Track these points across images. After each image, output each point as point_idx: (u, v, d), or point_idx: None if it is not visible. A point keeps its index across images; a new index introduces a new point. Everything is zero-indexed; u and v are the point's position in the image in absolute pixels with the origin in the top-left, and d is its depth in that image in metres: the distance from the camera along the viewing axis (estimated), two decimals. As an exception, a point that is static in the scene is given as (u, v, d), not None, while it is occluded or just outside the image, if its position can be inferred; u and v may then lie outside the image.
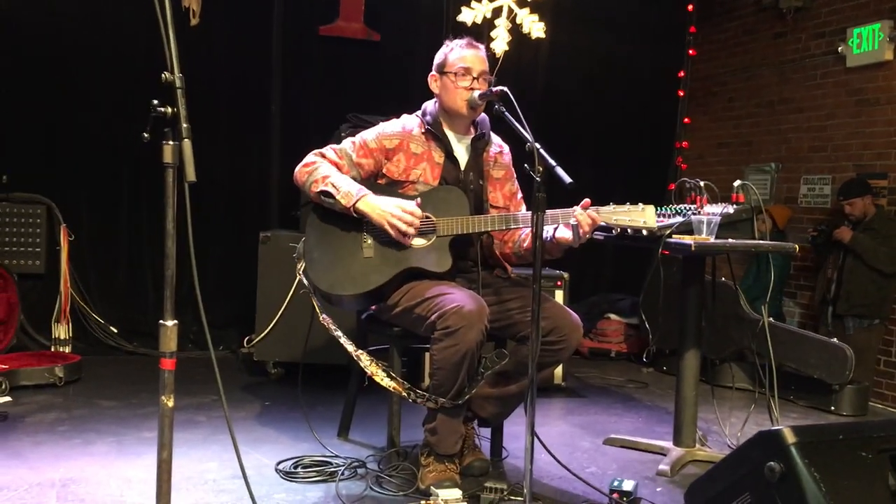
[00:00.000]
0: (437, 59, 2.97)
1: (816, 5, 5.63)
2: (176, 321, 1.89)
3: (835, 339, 4.32)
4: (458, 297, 2.61)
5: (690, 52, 6.46)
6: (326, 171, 2.82)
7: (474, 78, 2.86)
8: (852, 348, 4.27)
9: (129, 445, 3.14)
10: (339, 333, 2.89)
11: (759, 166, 6.06)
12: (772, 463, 1.84)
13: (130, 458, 2.99)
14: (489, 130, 3.03)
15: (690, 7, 6.39)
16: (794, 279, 5.73)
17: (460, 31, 5.06)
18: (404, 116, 3.03)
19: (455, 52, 2.91)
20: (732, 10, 6.34)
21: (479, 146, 3.00)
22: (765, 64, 6.05)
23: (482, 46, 2.97)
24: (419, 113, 3.02)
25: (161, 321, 1.88)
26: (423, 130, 2.95)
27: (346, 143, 2.95)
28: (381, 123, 3.01)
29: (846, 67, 5.37)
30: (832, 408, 4.28)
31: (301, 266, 2.92)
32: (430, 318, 2.64)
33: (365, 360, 2.82)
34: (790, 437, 1.83)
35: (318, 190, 2.78)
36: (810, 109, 5.68)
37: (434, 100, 3.00)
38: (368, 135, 2.95)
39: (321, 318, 2.92)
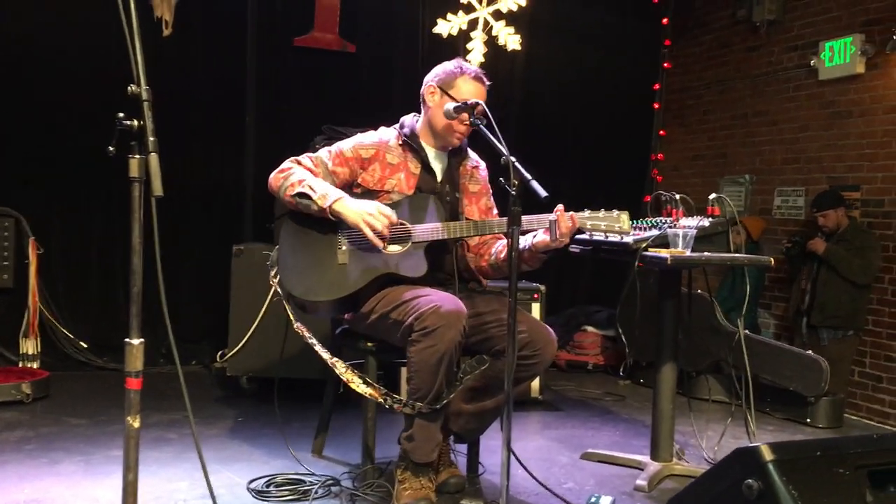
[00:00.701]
0: (444, 75, 2.88)
1: (789, 19, 5.69)
2: (142, 339, 1.84)
3: (810, 352, 4.34)
4: (435, 298, 2.59)
5: (665, 65, 6.51)
6: (302, 174, 2.80)
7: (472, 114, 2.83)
8: (827, 359, 4.28)
9: (96, 465, 3.06)
10: (313, 341, 2.85)
11: (733, 178, 6.10)
12: (750, 480, 1.81)
13: (98, 477, 2.92)
14: (466, 145, 3.02)
15: (665, 20, 6.44)
16: (769, 290, 5.76)
17: (435, 42, 5.08)
18: (381, 129, 3.01)
19: (467, 82, 2.85)
20: (707, 23, 6.39)
21: (455, 160, 2.99)
22: (738, 77, 6.10)
23: (489, 83, 2.93)
24: (396, 126, 3.00)
25: (127, 339, 1.83)
26: (400, 142, 2.93)
27: (323, 153, 2.93)
28: (357, 134, 2.99)
29: (819, 80, 5.42)
30: (808, 420, 4.29)
31: (275, 273, 2.88)
32: (406, 321, 2.61)
33: (340, 367, 2.78)
34: (768, 455, 1.81)
35: (295, 192, 2.75)
36: (784, 122, 5.73)
37: (413, 114, 2.98)
38: (345, 144, 2.93)
39: (295, 327, 2.88)
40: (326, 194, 2.72)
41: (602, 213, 2.66)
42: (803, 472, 1.83)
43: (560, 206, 2.64)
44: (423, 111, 2.95)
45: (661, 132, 6.56)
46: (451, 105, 2.77)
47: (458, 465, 3.02)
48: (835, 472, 1.86)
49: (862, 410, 4.99)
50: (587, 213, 2.66)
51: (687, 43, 6.53)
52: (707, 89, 6.39)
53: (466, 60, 2.97)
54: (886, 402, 4.91)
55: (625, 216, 2.64)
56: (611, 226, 2.63)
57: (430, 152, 2.94)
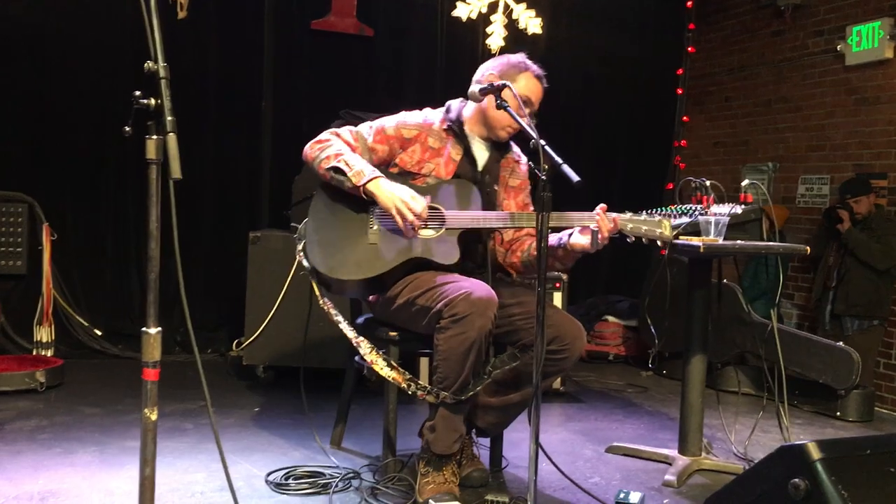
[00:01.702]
0: (508, 66, 2.79)
1: (815, 3, 5.56)
2: (160, 328, 1.76)
3: (840, 343, 4.23)
4: (466, 285, 2.51)
5: (689, 49, 6.37)
6: (339, 148, 2.71)
7: (530, 111, 2.76)
8: (851, 350, 4.18)
9: (112, 455, 3.00)
10: (339, 318, 2.77)
11: (756, 166, 5.97)
12: (796, 480, 1.73)
13: (113, 468, 2.86)
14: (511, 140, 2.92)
15: (689, 3, 6.30)
16: (792, 280, 5.65)
17: (455, 25, 4.98)
18: (427, 109, 2.92)
19: (530, 79, 2.78)
20: (729, 7, 6.25)
21: (498, 152, 2.89)
22: (762, 62, 5.97)
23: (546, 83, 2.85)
24: (442, 109, 2.90)
25: (144, 328, 1.75)
26: (444, 126, 2.84)
27: (363, 127, 2.84)
28: (402, 112, 2.90)
29: (845, 66, 5.29)
30: (838, 413, 4.19)
31: (302, 246, 2.80)
32: (435, 307, 2.52)
33: (365, 347, 2.71)
34: (815, 453, 1.73)
35: (330, 166, 2.66)
36: (808, 108, 5.60)
37: (461, 99, 2.88)
38: (388, 122, 2.84)
39: (321, 303, 2.80)
40: (362, 171, 2.63)
41: (644, 217, 2.60)
42: (852, 471, 1.75)
43: (602, 207, 2.57)
44: (471, 106, 2.85)
45: (684, 118, 6.43)
46: (477, 87, 2.67)
47: (482, 459, 2.94)
48: (885, 471, 1.78)
49: (888, 403, 4.88)
50: (628, 215, 2.61)
51: (708, 28, 6.40)
52: (729, 75, 6.25)
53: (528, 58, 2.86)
54: (913, 395, 4.81)
55: (667, 222, 2.58)
56: (651, 230, 2.57)
57: (475, 141, 2.85)
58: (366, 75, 5.25)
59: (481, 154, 2.86)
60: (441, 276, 2.61)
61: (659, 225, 2.57)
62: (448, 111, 2.87)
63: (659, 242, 2.58)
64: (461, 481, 2.75)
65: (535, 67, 2.82)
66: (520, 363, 2.65)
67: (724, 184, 3.38)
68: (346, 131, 2.81)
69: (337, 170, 2.65)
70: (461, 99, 2.88)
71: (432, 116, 2.87)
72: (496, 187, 2.88)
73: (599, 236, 2.55)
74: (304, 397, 3.16)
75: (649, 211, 2.68)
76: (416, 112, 2.89)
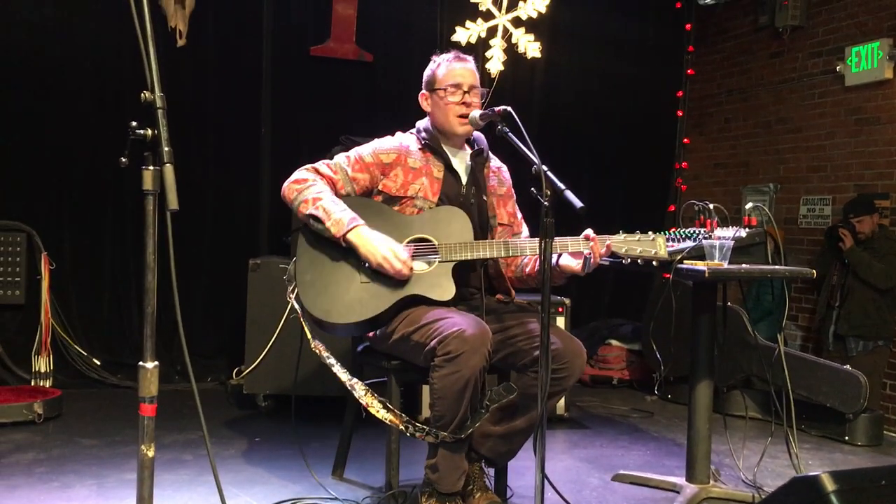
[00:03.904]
0: (426, 76, 2.87)
1: (813, 24, 5.57)
2: (156, 363, 1.73)
3: (847, 366, 4.18)
4: (459, 321, 2.46)
5: (689, 71, 6.37)
6: (318, 191, 2.66)
7: (465, 92, 2.76)
8: (856, 372, 4.14)
9: (109, 489, 2.95)
10: (332, 361, 2.71)
11: (757, 187, 5.96)
12: (810, 512, 1.69)
13: (111, 502, 2.81)
14: (486, 147, 2.91)
15: (689, 26, 6.31)
16: (795, 301, 5.61)
17: (456, 50, 4.97)
18: (399, 133, 2.91)
19: (443, 68, 2.81)
20: (728, 30, 6.27)
21: (478, 162, 2.88)
22: (761, 84, 5.97)
23: (470, 58, 2.87)
24: (413, 130, 2.90)
25: (140, 363, 1.72)
26: (420, 146, 2.83)
27: (340, 158, 2.80)
28: (375, 139, 2.88)
29: (845, 86, 5.29)
30: (846, 437, 4.13)
31: (292, 288, 2.75)
32: (429, 343, 2.48)
33: (360, 390, 2.65)
34: (829, 485, 1.68)
35: (308, 212, 2.63)
36: (808, 129, 5.60)
37: (426, 118, 2.89)
38: (364, 150, 2.82)
39: (312, 346, 2.74)
40: (341, 220, 2.58)
41: (638, 237, 2.58)
42: (867, 502, 1.70)
43: (588, 232, 2.56)
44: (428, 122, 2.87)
45: (686, 140, 6.42)
46: (477, 113, 2.72)
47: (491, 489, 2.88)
48: (902, 502, 1.73)
49: (894, 425, 4.82)
50: (622, 236, 2.59)
51: (707, 50, 6.41)
52: (728, 97, 6.26)
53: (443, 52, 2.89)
54: (921, 417, 4.75)
55: (661, 239, 2.56)
56: (646, 250, 2.56)
57: (452, 155, 2.84)
58: (365, 101, 5.25)
59: (462, 167, 2.85)
60: (434, 312, 2.56)
61: (654, 244, 2.55)
62: (419, 131, 2.87)
63: (654, 262, 2.56)
64: (474, 515, 2.70)
65: (446, 54, 2.85)
66: (517, 393, 2.59)
67: (724, 205, 3.37)
68: (323, 165, 2.77)
69: (315, 218, 2.61)
70: (427, 118, 2.89)
71: (407, 140, 2.86)
72: (485, 198, 2.85)
73: (592, 260, 2.54)
74: (294, 429, 3.11)
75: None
76: (389, 137, 2.88)
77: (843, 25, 5.35)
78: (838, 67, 5.30)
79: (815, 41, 5.56)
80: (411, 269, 2.60)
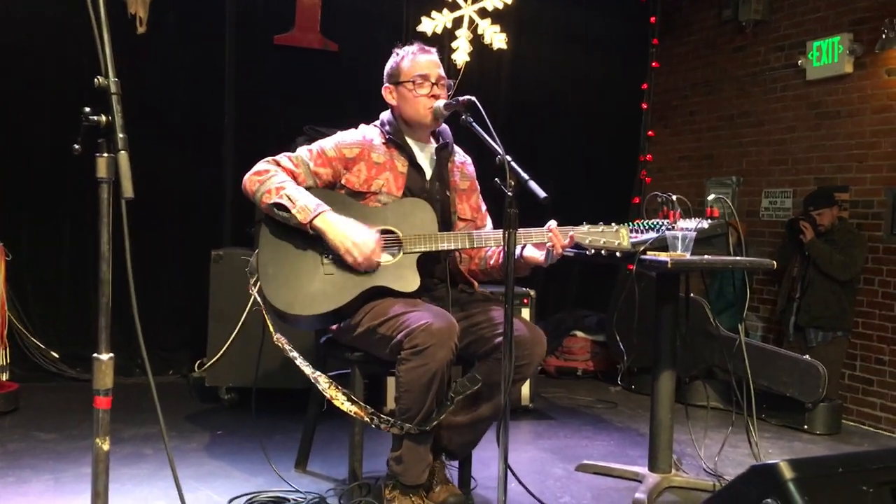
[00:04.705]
0: (389, 69, 2.84)
1: (776, 19, 5.63)
2: (111, 354, 1.69)
3: (807, 357, 4.25)
4: (425, 315, 2.45)
5: (654, 64, 6.41)
6: (281, 180, 2.62)
7: (433, 84, 2.74)
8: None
9: (66, 483, 2.90)
10: (294, 354, 2.68)
11: (720, 179, 6.02)
12: (768, 500, 1.70)
13: (68, 497, 2.76)
14: (451, 140, 2.90)
15: (653, 19, 6.35)
16: (757, 293, 5.68)
17: (420, 40, 4.94)
18: (363, 126, 2.88)
19: (408, 60, 2.78)
20: (692, 23, 6.32)
21: (443, 156, 2.86)
22: (725, 77, 6.03)
23: (434, 50, 2.85)
24: (377, 123, 2.87)
25: (95, 354, 1.68)
26: (384, 140, 2.80)
27: (302, 151, 2.77)
28: (338, 133, 2.85)
29: (806, 80, 5.36)
30: (805, 426, 4.20)
31: (254, 280, 2.70)
32: (395, 337, 2.47)
33: (323, 382, 2.62)
34: (787, 473, 1.70)
35: (272, 202, 2.58)
36: (770, 122, 5.67)
37: (389, 110, 2.86)
38: (326, 143, 2.78)
39: (275, 339, 2.70)
40: (307, 206, 2.55)
41: (601, 228, 2.60)
42: (825, 490, 1.72)
43: (552, 224, 2.56)
44: (392, 114, 2.85)
45: (650, 133, 6.47)
46: (441, 103, 2.70)
47: (453, 480, 2.88)
48: (858, 489, 1.75)
49: (853, 414, 4.91)
50: (586, 227, 2.60)
51: (672, 43, 6.45)
52: (693, 90, 6.31)
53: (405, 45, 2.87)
54: (878, 406, 4.84)
55: (624, 231, 2.59)
56: (610, 241, 2.59)
57: (416, 149, 2.82)
58: (330, 91, 5.19)
59: (426, 161, 2.83)
60: (400, 304, 2.55)
61: (617, 235, 2.58)
62: (384, 124, 2.84)
63: (618, 253, 2.59)
64: (436, 507, 2.70)
65: (409, 46, 2.84)
66: (479, 372, 2.60)
67: (688, 198, 3.39)
68: (284, 158, 2.72)
69: (279, 206, 2.57)
70: (389, 111, 2.86)
71: (370, 133, 2.83)
72: (448, 193, 2.84)
73: (554, 252, 2.55)
74: (255, 422, 3.08)
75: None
76: (352, 131, 2.85)
77: (806, 20, 5.41)
78: (800, 62, 5.36)
79: (778, 35, 5.62)
80: (386, 238, 2.58)
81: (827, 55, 5.18)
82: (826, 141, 5.26)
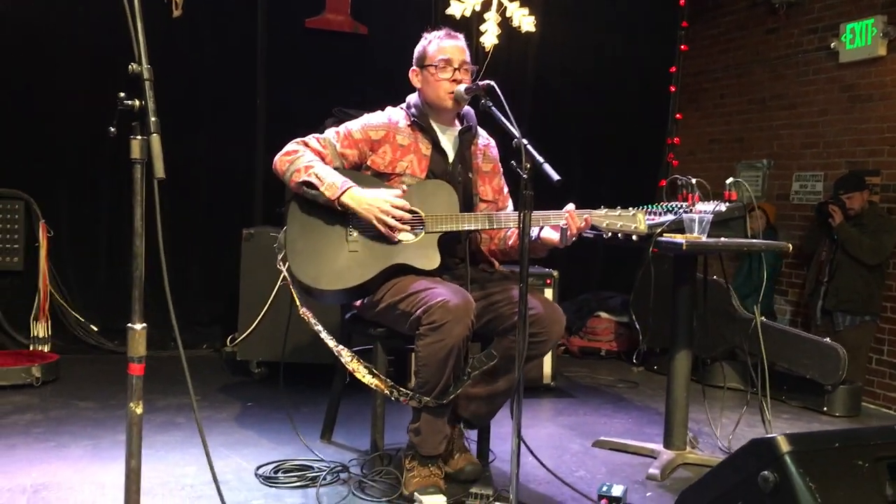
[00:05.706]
0: (417, 52, 2.91)
1: (809, 0, 5.57)
2: (145, 325, 1.81)
3: (827, 339, 4.26)
4: (443, 292, 2.54)
5: (682, 47, 6.39)
6: (309, 160, 2.73)
7: (455, 69, 2.80)
8: (844, 346, 4.21)
9: (104, 449, 3.05)
10: (319, 328, 2.79)
11: (750, 163, 6.00)
12: (766, 472, 1.77)
13: (105, 462, 2.91)
14: (475, 124, 2.96)
15: (682, 2, 6.32)
16: (786, 276, 5.68)
17: (448, 24, 4.99)
18: (389, 108, 2.96)
19: (434, 45, 2.85)
20: (724, 5, 6.28)
21: (466, 139, 2.93)
22: (756, 60, 5.99)
23: (461, 36, 2.91)
24: (403, 105, 2.95)
25: (129, 324, 1.80)
26: (409, 122, 2.88)
27: (330, 133, 2.87)
28: (365, 115, 2.94)
29: (839, 63, 5.32)
30: (825, 408, 4.22)
31: (282, 256, 2.82)
32: (414, 313, 2.56)
33: (346, 356, 2.73)
34: (784, 446, 1.76)
35: (301, 180, 2.69)
36: (802, 105, 5.63)
37: (416, 93, 2.93)
38: (353, 125, 2.87)
39: (301, 312, 2.82)
40: (335, 183, 2.66)
41: (618, 212, 2.64)
42: (821, 464, 1.78)
43: (570, 207, 2.61)
44: (418, 98, 2.91)
45: (678, 116, 6.46)
46: (462, 87, 2.77)
47: (472, 452, 2.98)
48: (853, 464, 1.82)
49: (879, 399, 4.91)
50: (603, 210, 2.65)
51: (704, 25, 6.42)
52: (724, 73, 6.28)
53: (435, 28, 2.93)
54: (905, 390, 4.84)
55: (641, 216, 2.62)
56: (626, 225, 2.62)
57: (440, 132, 2.89)
58: (359, 73, 5.27)
59: (449, 144, 2.90)
60: (420, 282, 2.64)
61: (634, 219, 2.61)
62: (409, 107, 2.92)
63: (634, 237, 2.62)
64: (454, 475, 2.82)
65: (437, 31, 2.89)
66: (498, 359, 2.68)
67: (718, 181, 3.42)
68: (313, 140, 2.82)
69: (308, 184, 2.67)
70: (417, 93, 2.93)
71: (396, 115, 2.91)
72: (470, 175, 2.91)
73: (568, 233, 2.60)
74: (283, 394, 3.20)
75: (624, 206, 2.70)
76: (379, 112, 2.93)
77: (839, 2, 5.36)
78: (833, 44, 5.32)
79: (811, 17, 5.57)
80: (408, 216, 2.67)
81: (860, 37, 5.14)
82: (858, 124, 5.23)
